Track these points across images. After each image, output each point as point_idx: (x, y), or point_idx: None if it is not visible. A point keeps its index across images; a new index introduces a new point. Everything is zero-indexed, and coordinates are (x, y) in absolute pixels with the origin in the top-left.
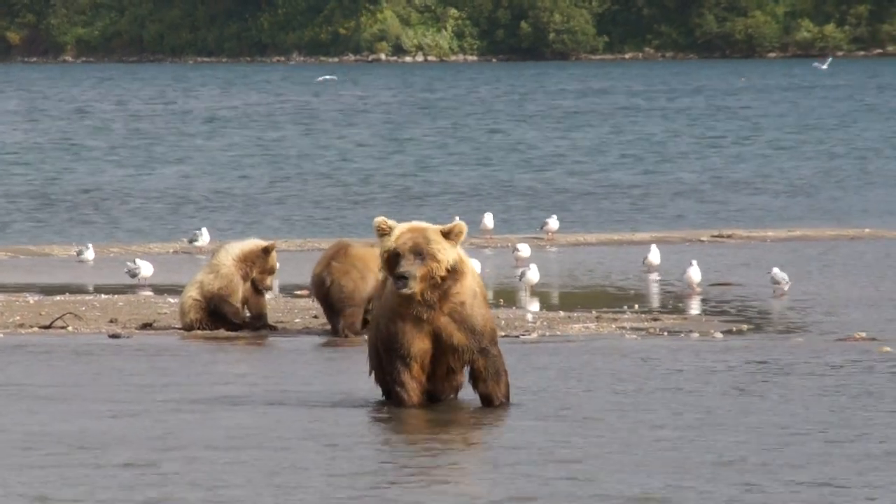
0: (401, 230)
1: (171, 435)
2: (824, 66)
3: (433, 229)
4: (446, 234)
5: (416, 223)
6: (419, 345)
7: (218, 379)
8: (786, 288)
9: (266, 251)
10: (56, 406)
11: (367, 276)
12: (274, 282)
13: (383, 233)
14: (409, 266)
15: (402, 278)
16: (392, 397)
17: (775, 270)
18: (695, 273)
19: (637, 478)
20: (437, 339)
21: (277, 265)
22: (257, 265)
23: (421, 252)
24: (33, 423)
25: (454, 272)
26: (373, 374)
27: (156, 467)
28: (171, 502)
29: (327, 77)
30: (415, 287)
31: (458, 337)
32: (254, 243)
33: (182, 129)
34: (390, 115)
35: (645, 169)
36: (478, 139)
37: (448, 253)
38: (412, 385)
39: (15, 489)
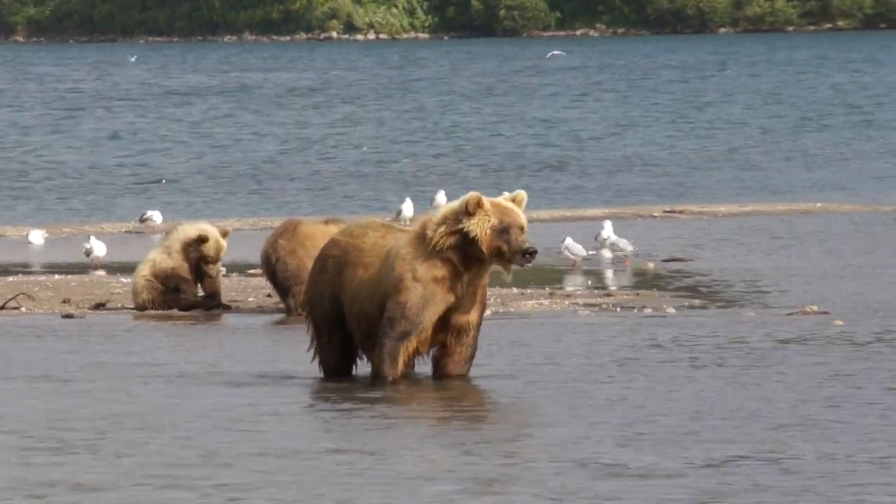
0: (492, 205)
1: (115, 415)
2: None
3: (510, 202)
4: (517, 205)
5: (490, 198)
6: (432, 319)
7: (165, 358)
8: (579, 259)
9: (199, 240)
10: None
11: (313, 253)
12: (218, 270)
13: (479, 208)
14: (526, 241)
15: (533, 253)
16: (378, 366)
17: (568, 241)
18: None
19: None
20: (449, 315)
21: (217, 253)
22: (193, 250)
23: (522, 226)
24: None
25: None
26: (312, 351)
27: (92, 448)
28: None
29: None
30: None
31: (473, 315)
32: (196, 229)
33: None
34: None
35: (593, 144)
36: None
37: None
38: (402, 360)
39: None
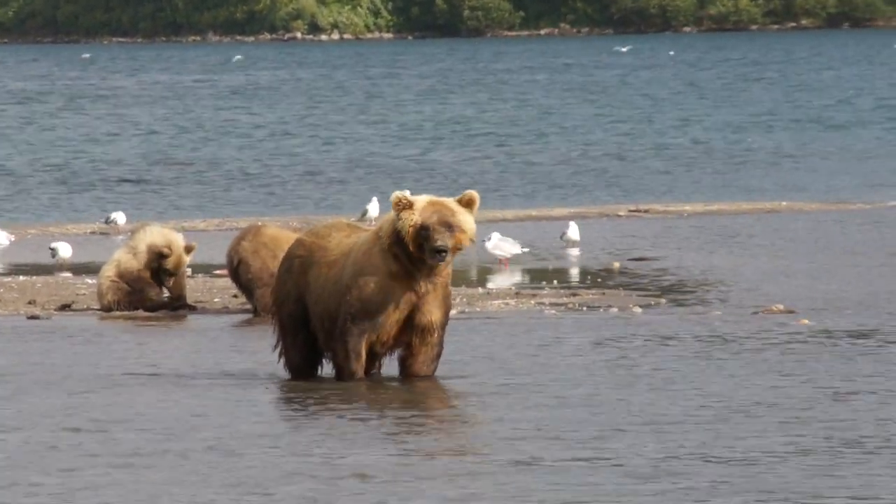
0: (423, 203)
1: (76, 413)
2: None
3: (453, 201)
4: (464, 205)
5: (431, 196)
6: (395, 317)
7: (127, 358)
8: (508, 256)
9: (161, 255)
10: None
11: (278, 255)
12: (178, 277)
13: (403, 207)
14: (444, 239)
15: (441, 251)
16: (341, 364)
17: (495, 238)
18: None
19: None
20: (413, 314)
21: (176, 269)
22: (154, 260)
23: (450, 224)
24: None
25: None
26: (278, 351)
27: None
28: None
29: None
30: (449, 259)
31: (435, 314)
32: (164, 240)
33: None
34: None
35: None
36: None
37: (472, 224)
38: (363, 355)
39: None
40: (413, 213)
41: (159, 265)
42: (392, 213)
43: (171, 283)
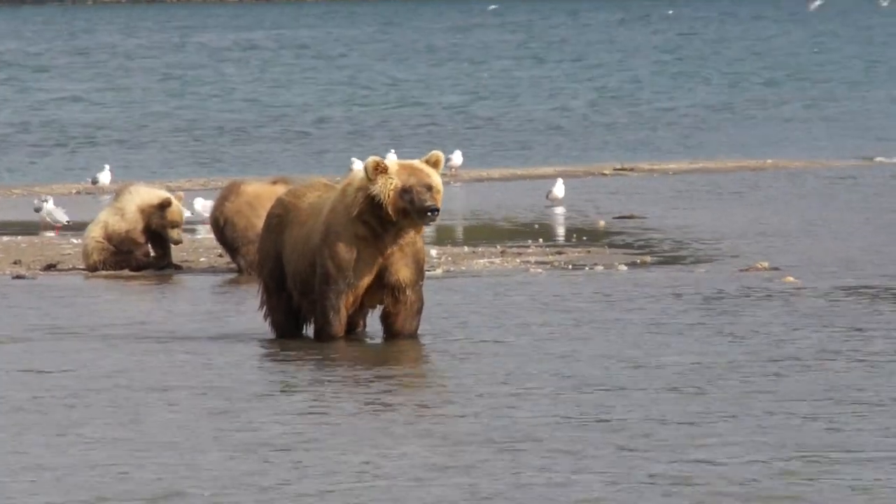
0: (399, 167)
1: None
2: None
3: (423, 163)
4: (432, 165)
5: (399, 160)
6: (366, 276)
7: (110, 318)
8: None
9: (161, 206)
10: None
11: (260, 212)
12: (181, 233)
13: (381, 171)
14: (429, 199)
15: (435, 210)
16: (322, 325)
17: (48, 205)
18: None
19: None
20: (382, 274)
21: (180, 216)
22: (155, 217)
23: (429, 185)
24: None
25: None
26: (264, 311)
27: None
28: None
29: None
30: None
31: (403, 273)
32: (154, 195)
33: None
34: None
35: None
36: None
37: (441, 184)
38: (344, 314)
39: None
40: (391, 178)
41: (163, 219)
42: (360, 178)
43: (178, 233)
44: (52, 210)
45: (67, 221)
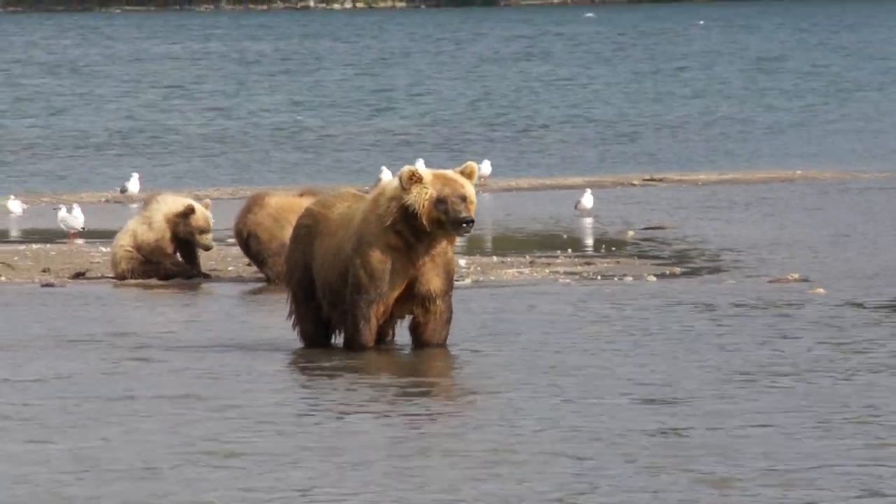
0: (433, 177)
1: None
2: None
3: (456, 173)
4: (466, 176)
5: (433, 170)
6: (398, 286)
7: (136, 327)
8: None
9: (184, 214)
10: None
11: (284, 224)
12: (210, 240)
13: (415, 180)
14: (464, 210)
15: (470, 222)
16: (352, 334)
17: (62, 213)
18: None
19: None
20: (413, 284)
21: (207, 223)
22: (180, 225)
23: (463, 196)
24: None
25: None
26: (292, 320)
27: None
28: None
29: None
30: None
31: (434, 283)
32: (178, 203)
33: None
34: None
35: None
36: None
37: (475, 195)
38: (374, 324)
39: None
40: (425, 188)
41: (189, 227)
42: (392, 188)
43: (207, 239)
44: (66, 217)
45: (82, 228)
